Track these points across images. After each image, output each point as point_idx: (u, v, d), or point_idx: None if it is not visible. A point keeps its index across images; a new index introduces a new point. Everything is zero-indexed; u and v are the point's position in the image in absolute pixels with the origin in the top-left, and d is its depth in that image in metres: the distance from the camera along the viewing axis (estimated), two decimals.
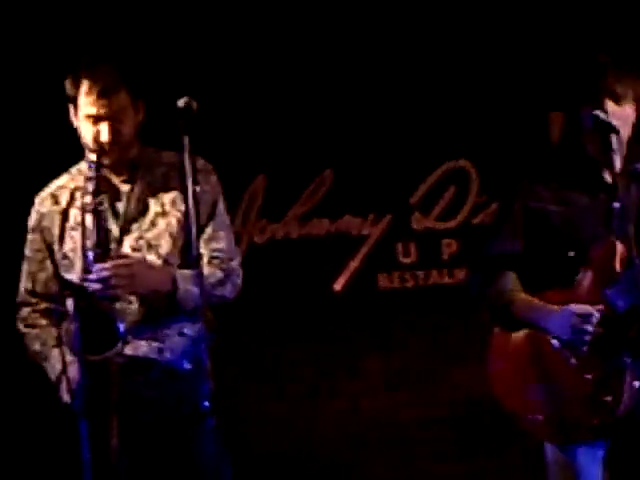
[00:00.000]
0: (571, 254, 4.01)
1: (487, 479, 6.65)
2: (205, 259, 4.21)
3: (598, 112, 3.91)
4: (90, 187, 4.15)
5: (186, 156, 3.68)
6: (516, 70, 6.57)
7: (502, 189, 4.29)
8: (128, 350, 4.18)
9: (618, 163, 3.99)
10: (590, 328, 3.86)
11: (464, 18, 6.75)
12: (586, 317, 3.86)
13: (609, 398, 3.85)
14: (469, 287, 4.25)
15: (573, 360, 3.92)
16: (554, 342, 3.95)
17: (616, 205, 3.98)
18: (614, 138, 3.95)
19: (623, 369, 3.85)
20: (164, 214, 4.28)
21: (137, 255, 4.22)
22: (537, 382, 4.00)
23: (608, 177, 4.04)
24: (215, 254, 4.28)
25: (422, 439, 6.76)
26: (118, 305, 4.15)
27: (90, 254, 4.11)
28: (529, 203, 4.11)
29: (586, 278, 3.98)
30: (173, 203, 4.28)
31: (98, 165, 4.17)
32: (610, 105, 3.95)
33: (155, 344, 4.25)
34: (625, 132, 3.99)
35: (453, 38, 6.80)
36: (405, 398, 6.81)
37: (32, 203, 4.43)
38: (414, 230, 7.01)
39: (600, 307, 3.89)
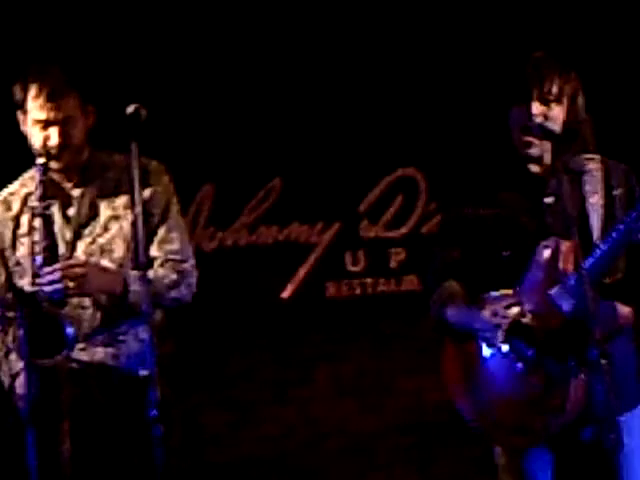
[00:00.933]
0: (505, 254, 4.03)
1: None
2: (159, 261, 4.21)
3: (539, 121, 3.95)
4: (38, 190, 4.13)
5: (133, 162, 3.69)
6: (465, 80, 6.59)
7: (451, 198, 4.31)
8: (84, 356, 4.19)
9: (548, 160, 4.02)
10: (504, 319, 3.89)
11: (409, 30, 6.78)
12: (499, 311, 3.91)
13: (557, 401, 3.85)
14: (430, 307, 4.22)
15: (519, 364, 3.92)
16: (503, 347, 3.94)
17: (548, 200, 4.01)
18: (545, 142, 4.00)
19: (569, 373, 3.84)
20: (116, 218, 4.27)
21: (90, 259, 4.22)
22: (485, 388, 4.00)
23: (538, 170, 4.06)
24: (169, 256, 4.27)
25: (372, 446, 6.77)
26: (73, 311, 4.14)
27: (38, 258, 4.09)
28: (464, 210, 4.14)
29: (531, 278, 3.98)
30: (125, 206, 4.27)
31: (45, 168, 4.15)
32: (536, 106, 3.98)
33: (111, 350, 4.24)
34: (558, 123, 4.00)
35: (401, 49, 6.83)
36: (355, 405, 6.83)
37: None
38: (362, 238, 7.03)
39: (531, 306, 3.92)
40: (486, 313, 3.94)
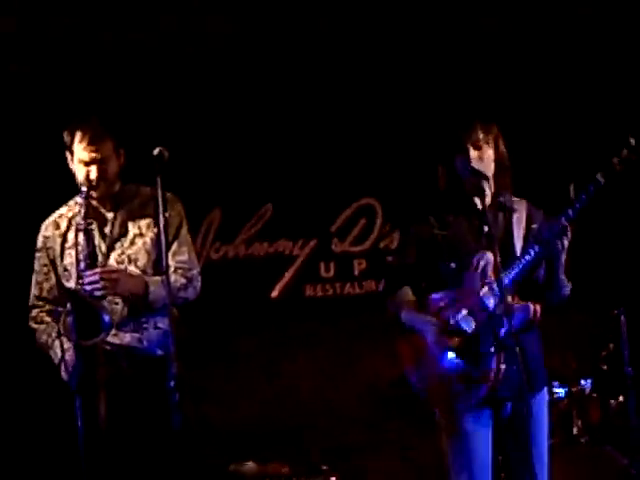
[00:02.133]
0: (452, 265, 4.03)
1: (397, 439, 6.65)
2: (172, 269, 4.21)
3: (473, 164, 3.97)
4: (82, 211, 4.15)
5: (159, 192, 3.70)
6: (415, 130, 6.59)
7: (402, 221, 4.31)
8: (115, 340, 4.19)
9: (488, 196, 4.04)
10: (444, 339, 3.92)
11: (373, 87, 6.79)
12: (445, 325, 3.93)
13: (479, 375, 3.86)
14: (387, 308, 4.20)
15: (451, 351, 3.94)
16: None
17: (485, 229, 4.03)
18: (483, 181, 4.01)
19: (492, 355, 3.85)
20: (141, 235, 4.29)
21: (120, 266, 4.22)
22: (430, 366, 4.00)
23: (480, 205, 4.07)
24: (179, 265, 4.28)
25: (341, 410, 6.74)
26: (106, 304, 4.14)
27: (82, 264, 4.10)
28: (421, 228, 4.13)
29: (467, 282, 3.99)
30: (148, 226, 4.29)
31: (87, 195, 4.17)
32: (472, 152, 4.00)
33: (136, 335, 4.24)
34: (489, 170, 4.04)
35: (366, 104, 6.84)
36: (328, 381, 6.80)
37: (39, 229, 4.42)
38: (333, 252, 6.99)
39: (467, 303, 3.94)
40: (433, 325, 3.97)
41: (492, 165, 4.05)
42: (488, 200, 4.03)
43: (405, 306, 4.11)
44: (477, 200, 4.05)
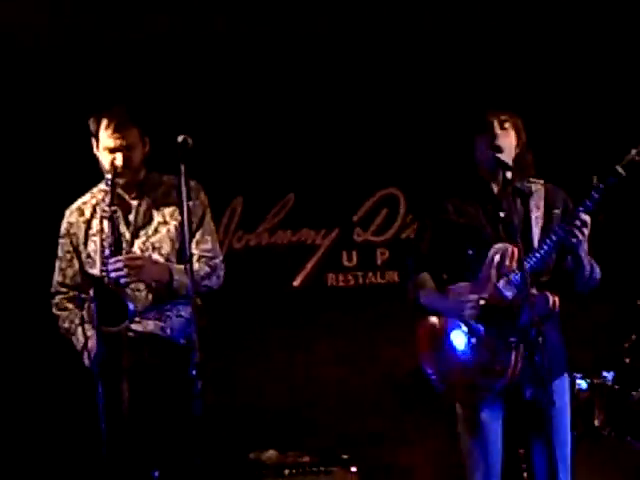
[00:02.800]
0: (470, 252, 4.04)
1: (414, 430, 6.65)
2: (195, 257, 4.22)
3: (498, 155, 3.97)
4: (107, 199, 4.16)
5: (182, 180, 3.71)
6: (437, 119, 6.58)
7: (419, 209, 4.32)
8: (138, 327, 4.21)
9: (504, 181, 4.03)
10: (474, 311, 3.92)
11: (392, 76, 6.78)
12: (471, 301, 3.93)
13: (498, 367, 3.88)
14: (407, 292, 4.23)
15: (473, 339, 3.96)
16: (459, 324, 3.99)
17: (501, 214, 4.03)
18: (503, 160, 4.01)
19: (511, 347, 3.86)
20: (165, 223, 4.30)
21: (144, 254, 4.24)
22: (447, 357, 4.03)
23: (496, 190, 4.07)
24: (203, 253, 4.30)
25: (360, 400, 6.73)
26: (130, 292, 4.15)
27: (107, 250, 4.12)
28: (438, 216, 4.15)
29: (485, 273, 3.99)
30: (171, 215, 4.30)
31: (112, 182, 4.18)
32: (498, 129, 4.01)
33: (159, 323, 4.26)
34: (511, 152, 4.04)
35: (387, 94, 6.83)
36: (348, 370, 6.78)
37: (63, 215, 4.43)
38: (355, 241, 6.99)
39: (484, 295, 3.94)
40: (451, 301, 3.99)
41: (513, 149, 4.05)
42: (503, 185, 4.04)
43: (425, 289, 4.13)
44: (494, 185, 4.06)
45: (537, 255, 3.89)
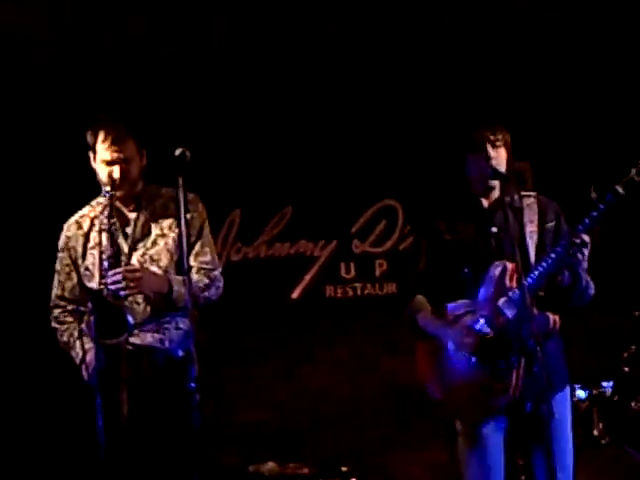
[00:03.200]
0: (466, 270, 4.04)
1: (413, 440, 6.65)
2: (194, 269, 4.22)
3: (493, 165, 3.98)
4: (105, 212, 4.16)
5: (180, 192, 3.71)
6: (431, 137, 6.59)
7: (418, 225, 4.32)
8: (137, 340, 4.20)
9: (495, 196, 4.06)
10: (470, 341, 3.91)
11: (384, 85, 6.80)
12: (468, 329, 3.92)
13: (500, 386, 3.87)
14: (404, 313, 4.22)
15: (473, 359, 3.95)
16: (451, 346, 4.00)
17: (493, 229, 4.03)
18: (496, 182, 4.02)
19: (512, 365, 3.86)
20: (163, 235, 4.29)
21: (143, 266, 4.23)
22: (448, 375, 4.02)
23: (486, 205, 4.08)
24: (202, 265, 4.29)
25: (361, 411, 6.75)
26: (129, 305, 4.15)
27: (105, 263, 4.11)
28: (432, 237, 4.15)
29: (484, 292, 3.98)
30: (170, 227, 4.29)
31: (111, 195, 4.17)
32: (490, 150, 4.01)
33: (157, 335, 4.25)
34: (502, 170, 4.04)
35: (383, 108, 6.86)
36: (347, 381, 6.80)
37: (61, 229, 4.43)
38: (354, 252, 7.01)
39: (484, 313, 3.93)
40: (452, 330, 3.98)
41: (504, 166, 4.05)
42: (493, 199, 4.06)
43: (421, 312, 4.12)
44: (484, 201, 4.07)
45: (536, 272, 3.88)
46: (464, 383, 3.95)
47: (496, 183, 4.04)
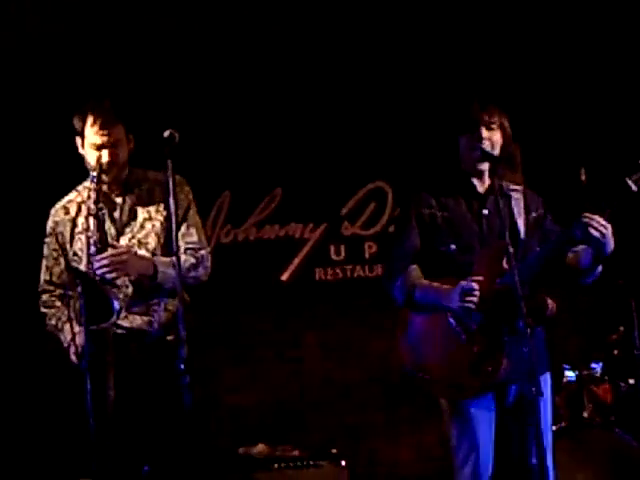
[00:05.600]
0: (452, 247, 4.02)
1: (403, 424, 6.70)
2: (181, 249, 4.21)
3: (483, 145, 3.97)
4: (93, 196, 4.16)
5: (169, 174, 3.70)
6: (425, 116, 6.58)
7: (404, 202, 4.27)
8: (125, 323, 4.21)
9: (487, 179, 4.05)
10: (474, 298, 3.84)
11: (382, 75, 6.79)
12: (470, 289, 3.84)
13: (489, 367, 3.86)
14: (392, 292, 4.12)
15: (463, 336, 3.92)
16: (450, 320, 3.93)
17: (484, 212, 4.04)
18: (486, 164, 4.02)
19: (503, 346, 3.85)
20: (150, 219, 4.30)
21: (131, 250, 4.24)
22: (433, 350, 3.99)
23: (480, 187, 4.08)
24: (189, 245, 4.29)
25: (350, 394, 6.79)
26: (118, 289, 4.16)
27: (93, 248, 4.11)
28: (421, 210, 4.09)
29: (478, 271, 3.94)
30: (157, 210, 4.30)
31: (99, 179, 4.17)
32: (484, 132, 4.01)
33: (146, 318, 4.26)
34: (495, 153, 4.03)
35: (375, 91, 6.85)
36: (337, 364, 6.82)
37: (48, 214, 4.43)
38: (343, 235, 7.02)
39: (479, 278, 3.87)
40: (459, 292, 3.85)
41: (498, 149, 4.05)
42: (487, 183, 4.05)
43: (418, 282, 4.04)
44: (476, 182, 4.07)
45: (532, 257, 3.90)
46: (450, 360, 3.93)
47: (486, 166, 4.03)
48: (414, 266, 4.09)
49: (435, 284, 4.01)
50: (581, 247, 3.96)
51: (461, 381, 3.92)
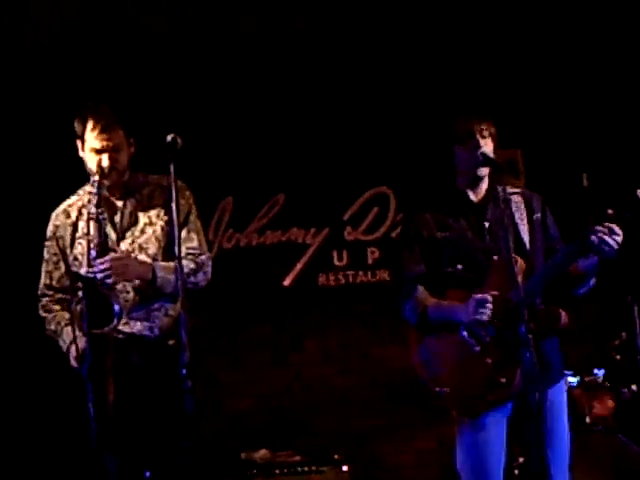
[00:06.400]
0: (459, 267, 3.99)
1: (405, 428, 6.68)
2: (182, 254, 4.19)
3: (484, 151, 3.96)
4: (93, 200, 4.15)
5: (172, 179, 3.70)
6: (424, 128, 6.55)
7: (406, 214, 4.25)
8: (126, 328, 4.19)
9: (483, 189, 4.03)
10: (487, 310, 3.83)
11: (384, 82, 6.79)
12: (483, 301, 3.83)
13: (504, 380, 3.83)
14: (404, 313, 4.08)
15: (477, 348, 3.90)
16: (463, 333, 3.91)
17: (485, 224, 4.02)
18: (486, 170, 4.00)
19: (519, 359, 3.75)
20: (151, 224, 4.29)
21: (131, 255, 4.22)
22: (447, 364, 3.96)
23: (476, 199, 4.05)
24: (189, 251, 4.28)
25: (352, 399, 6.77)
26: (118, 294, 4.15)
27: (93, 252, 4.10)
28: (421, 231, 4.07)
29: (490, 284, 3.92)
30: (157, 215, 4.29)
31: (99, 183, 4.16)
32: (480, 140, 3.99)
33: (147, 323, 4.24)
34: (494, 158, 4.01)
35: (377, 100, 6.85)
36: (337, 368, 6.82)
37: (49, 218, 4.42)
38: (346, 240, 7.01)
39: (494, 293, 3.86)
40: (472, 305, 3.85)
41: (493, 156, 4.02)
42: (483, 191, 4.03)
43: (429, 301, 4.02)
44: (470, 194, 4.05)
45: (541, 270, 3.87)
46: (464, 373, 3.90)
47: (485, 172, 4.00)
48: (421, 288, 4.06)
49: (445, 302, 3.99)
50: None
51: (475, 393, 3.89)
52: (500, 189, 3.95)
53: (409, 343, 4.09)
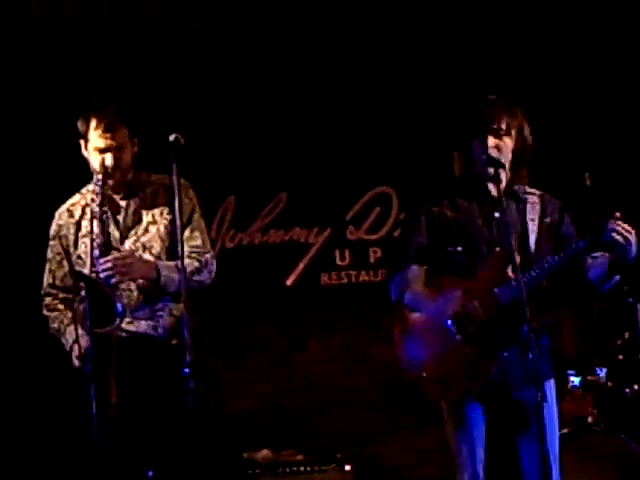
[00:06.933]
0: (459, 249, 3.99)
1: (407, 428, 6.67)
2: (185, 254, 4.20)
3: (490, 152, 3.94)
4: (97, 200, 4.15)
5: (174, 178, 3.70)
6: (432, 118, 6.56)
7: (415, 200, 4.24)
8: (130, 327, 4.20)
9: (503, 184, 4.00)
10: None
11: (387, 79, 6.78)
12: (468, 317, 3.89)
13: (480, 371, 3.85)
14: (389, 284, 4.14)
15: (458, 337, 3.90)
16: (447, 321, 3.91)
17: (496, 214, 4.01)
18: (499, 169, 3.98)
19: (496, 352, 3.83)
20: (154, 222, 4.29)
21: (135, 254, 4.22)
22: (429, 349, 3.96)
23: (494, 191, 4.03)
24: (193, 249, 4.28)
25: (354, 399, 6.77)
26: (122, 293, 4.15)
27: (97, 251, 4.10)
28: (431, 207, 4.06)
29: (481, 275, 3.94)
30: (161, 214, 4.30)
31: (103, 183, 4.16)
32: (491, 140, 3.96)
33: (151, 323, 4.24)
34: (506, 159, 4.00)
35: (381, 97, 6.84)
36: (340, 368, 6.82)
37: (52, 217, 4.42)
38: (348, 240, 7.02)
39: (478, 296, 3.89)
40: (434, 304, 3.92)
41: (510, 155, 4.01)
42: (502, 188, 4.00)
43: (412, 285, 4.04)
44: (491, 187, 4.04)
45: (538, 271, 3.86)
46: (443, 359, 3.91)
47: (492, 172, 3.99)
48: (415, 267, 4.07)
49: (425, 292, 4.00)
50: (599, 256, 3.95)
51: (453, 381, 3.91)
52: (518, 187, 3.97)
53: (394, 327, 4.11)
